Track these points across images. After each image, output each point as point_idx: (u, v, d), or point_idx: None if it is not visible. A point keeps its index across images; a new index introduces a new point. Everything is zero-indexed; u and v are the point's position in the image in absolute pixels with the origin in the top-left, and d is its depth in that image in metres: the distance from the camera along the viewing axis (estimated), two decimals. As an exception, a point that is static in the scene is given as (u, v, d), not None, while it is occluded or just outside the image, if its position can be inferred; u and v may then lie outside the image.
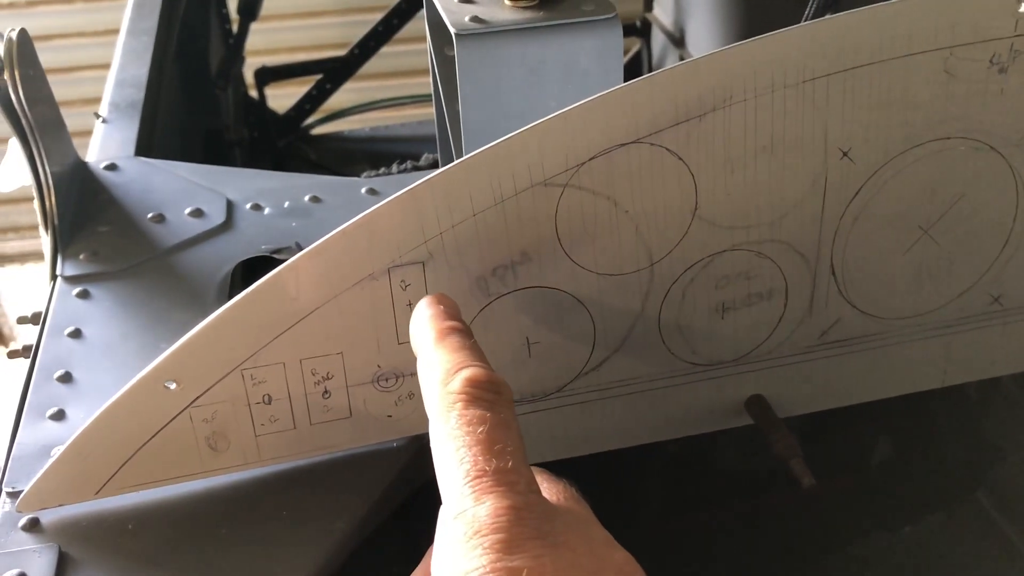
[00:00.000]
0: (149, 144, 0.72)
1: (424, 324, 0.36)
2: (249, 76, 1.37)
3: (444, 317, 0.36)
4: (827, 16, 0.40)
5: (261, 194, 0.60)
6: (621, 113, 0.39)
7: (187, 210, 0.59)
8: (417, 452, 0.45)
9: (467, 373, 0.32)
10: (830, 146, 0.42)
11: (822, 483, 0.46)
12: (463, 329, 0.36)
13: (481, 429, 0.30)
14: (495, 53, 0.52)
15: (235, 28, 1.27)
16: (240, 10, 1.25)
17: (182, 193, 0.60)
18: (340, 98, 1.43)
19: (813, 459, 0.46)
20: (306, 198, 0.60)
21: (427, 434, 0.44)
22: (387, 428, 0.44)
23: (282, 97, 1.43)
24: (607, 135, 0.40)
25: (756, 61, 0.39)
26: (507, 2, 0.53)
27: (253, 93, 1.37)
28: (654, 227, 0.42)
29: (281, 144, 1.40)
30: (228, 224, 0.58)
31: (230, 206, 0.59)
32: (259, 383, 0.41)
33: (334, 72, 1.40)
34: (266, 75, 1.39)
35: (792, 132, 0.41)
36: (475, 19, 0.52)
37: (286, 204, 0.60)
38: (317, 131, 1.46)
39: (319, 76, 1.40)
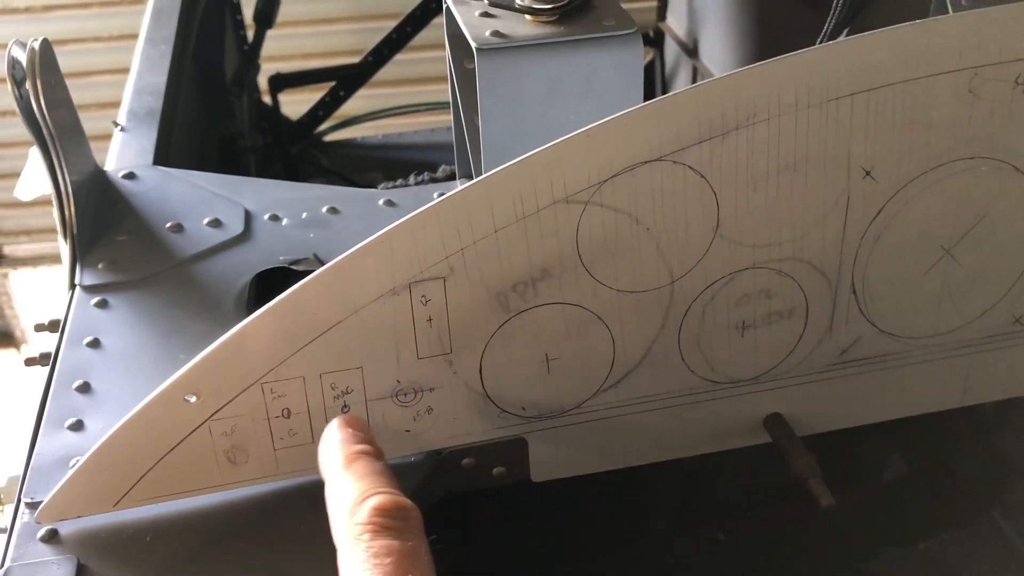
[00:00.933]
0: (166, 152, 0.72)
1: (332, 449, 0.36)
2: (263, 82, 1.38)
3: (353, 441, 0.36)
4: (852, 36, 0.40)
5: (279, 204, 0.61)
6: (644, 130, 0.39)
7: (205, 220, 0.59)
8: (434, 467, 0.45)
9: (374, 502, 0.32)
10: (853, 165, 0.42)
11: (835, 498, 0.46)
12: (372, 452, 0.35)
13: (389, 560, 0.30)
14: (515, 67, 0.52)
15: (250, 36, 1.27)
16: (256, 17, 1.26)
17: (200, 203, 0.60)
18: (353, 105, 1.44)
19: (826, 473, 0.46)
20: (324, 209, 0.60)
21: (446, 448, 0.45)
22: (405, 443, 0.44)
23: (296, 103, 1.43)
24: (629, 152, 0.39)
25: (780, 80, 0.39)
26: (528, 17, 0.53)
27: (267, 99, 1.38)
28: (675, 245, 0.42)
29: (294, 150, 1.40)
30: (246, 234, 0.58)
31: (248, 216, 0.59)
32: (279, 397, 0.41)
33: (347, 79, 1.40)
34: (280, 82, 1.39)
35: (815, 151, 0.41)
36: (496, 33, 0.52)
37: (304, 215, 0.60)
38: (330, 138, 1.47)
39: (332, 83, 1.41)
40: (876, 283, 0.45)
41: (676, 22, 1.40)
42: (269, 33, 1.27)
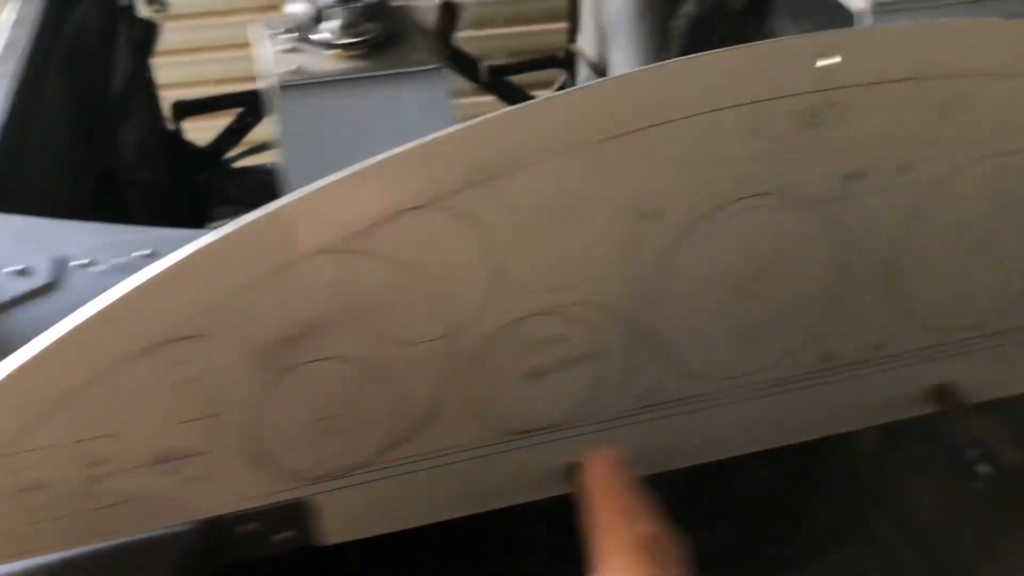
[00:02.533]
0: (6, 184, 0.68)
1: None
2: (168, 109, 1.35)
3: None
4: (619, 75, 0.38)
5: (95, 249, 0.57)
6: (404, 175, 0.37)
7: (7, 269, 0.56)
8: (201, 537, 0.42)
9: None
10: (635, 206, 0.40)
11: (706, 530, 0.44)
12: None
13: None
14: (319, 104, 0.50)
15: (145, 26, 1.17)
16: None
17: (4, 251, 0.57)
18: (266, 130, 1.41)
19: (697, 505, 0.44)
20: (141, 253, 0.57)
21: (217, 515, 0.42)
22: (175, 511, 0.41)
23: (208, 131, 1.40)
24: (392, 199, 0.37)
25: (545, 122, 0.38)
26: (333, 52, 0.51)
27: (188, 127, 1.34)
28: (449, 294, 0.40)
29: (201, 179, 1.37)
30: (56, 284, 0.55)
31: (59, 264, 0.56)
32: (21, 470, 0.38)
33: (256, 104, 1.37)
34: (184, 108, 1.36)
35: (592, 193, 0.39)
36: (298, 70, 0.50)
37: (119, 260, 0.57)
38: (239, 164, 1.44)
39: (240, 109, 1.38)
40: (673, 325, 0.43)
41: (586, 44, 1.39)
42: (173, 59, 1.23)
